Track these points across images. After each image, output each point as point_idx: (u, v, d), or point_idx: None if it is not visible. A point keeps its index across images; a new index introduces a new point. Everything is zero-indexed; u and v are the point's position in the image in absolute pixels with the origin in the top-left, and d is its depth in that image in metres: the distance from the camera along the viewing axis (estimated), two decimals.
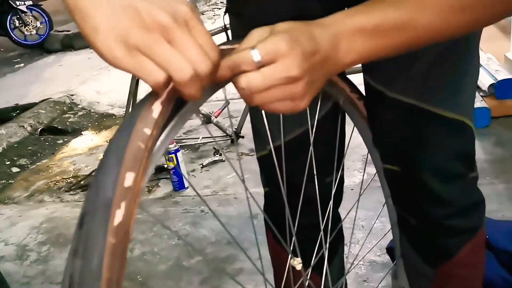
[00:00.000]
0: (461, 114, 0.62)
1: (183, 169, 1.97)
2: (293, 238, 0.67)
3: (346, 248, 1.40)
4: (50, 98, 3.27)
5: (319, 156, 0.69)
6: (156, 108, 0.38)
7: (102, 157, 0.36)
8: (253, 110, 0.73)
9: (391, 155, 0.68)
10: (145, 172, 0.36)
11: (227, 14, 0.71)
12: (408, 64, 0.60)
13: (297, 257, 0.63)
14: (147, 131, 0.37)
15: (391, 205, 0.76)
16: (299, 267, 0.62)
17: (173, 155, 1.93)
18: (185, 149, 2.30)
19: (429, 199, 0.66)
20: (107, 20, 0.35)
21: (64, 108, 3.18)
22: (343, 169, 0.78)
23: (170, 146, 1.95)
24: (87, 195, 0.34)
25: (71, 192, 2.11)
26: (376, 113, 0.67)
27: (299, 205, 0.69)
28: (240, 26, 0.70)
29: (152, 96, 0.39)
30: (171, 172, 1.95)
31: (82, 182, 2.18)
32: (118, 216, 0.33)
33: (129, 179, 0.34)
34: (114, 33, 0.35)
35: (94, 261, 0.31)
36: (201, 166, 2.12)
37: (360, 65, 0.67)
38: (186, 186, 1.96)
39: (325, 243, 0.75)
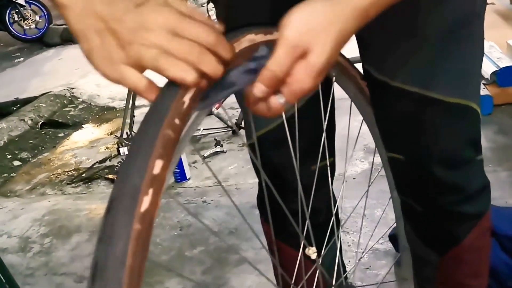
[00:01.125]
0: (467, 99, 0.61)
1: (185, 162, 1.96)
2: (299, 227, 0.66)
3: (349, 237, 1.41)
4: (51, 91, 3.26)
5: (304, 143, 0.66)
6: (187, 101, 0.39)
7: (132, 142, 0.37)
8: (241, 101, 0.73)
9: (396, 144, 0.67)
10: (171, 162, 0.37)
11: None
12: (411, 53, 0.59)
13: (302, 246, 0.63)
14: (177, 121, 0.38)
15: (396, 197, 0.75)
16: (314, 256, 0.62)
17: None
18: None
19: (437, 187, 0.65)
20: (96, 42, 0.42)
21: (65, 101, 3.18)
22: (334, 155, 0.77)
23: None
24: (116, 180, 0.34)
25: (73, 185, 2.11)
26: (380, 103, 0.65)
27: (287, 193, 0.68)
28: (219, 14, 0.69)
29: (181, 88, 0.40)
30: None
31: (83, 175, 2.18)
32: (145, 202, 0.32)
33: (157, 166, 0.34)
34: (103, 54, 0.42)
35: (119, 247, 0.30)
36: (203, 157, 2.12)
37: (358, 55, 0.67)
38: (187, 177, 1.95)
39: (336, 232, 0.74)
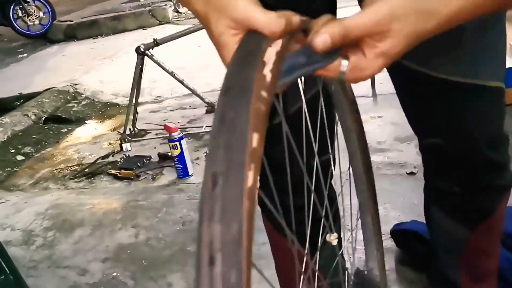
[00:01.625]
0: (501, 81, 0.66)
1: (188, 158, 1.97)
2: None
3: (349, 234, 1.41)
4: (54, 87, 3.27)
5: (307, 138, 0.67)
6: (268, 74, 0.38)
7: (220, 115, 0.34)
8: None
9: (440, 132, 0.70)
10: (264, 136, 0.34)
11: None
12: (452, 44, 0.62)
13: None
14: (264, 94, 0.36)
15: (362, 190, 0.76)
16: (335, 242, 0.63)
17: (177, 143, 1.93)
18: (189, 138, 2.30)
19: (485, 167, 0.70)
20: None
21: (68, 97, 3.19)
22: (333, 150, 0.79)
23: (174, 134, 1.95)
24: (213, 154, 0.31)
25: (76, 180, 2.12)
26: (422, 95, 0.68)
27: (287, 187, 0.69)
28: None
29: (257, 61, 0.38)
30: (175, 159, 1.96)
31: (86, 170, 2.19)
32: (250, 177, 0.31)
33: (255, 139, 0.33)
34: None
35: (235, 227, 0.28)
36: (205, 154, 2.13)
37: None
38: (190, 174, 1.96)
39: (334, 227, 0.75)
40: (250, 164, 0.31)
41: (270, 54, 0.40)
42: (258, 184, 0.32)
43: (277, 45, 0.41)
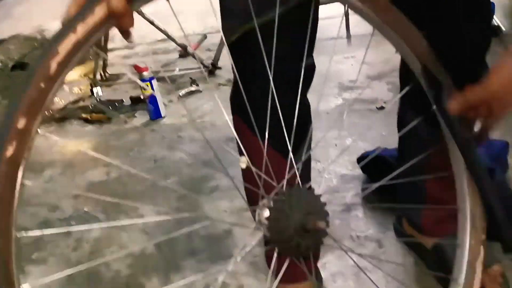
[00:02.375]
0: None
1: (160, 99, 1.95)
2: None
3: (320, 165, 1.44)
4: (20, 34, 3.13)
5: (293, 40, 0.68)
6: (53, 66, 0.49)
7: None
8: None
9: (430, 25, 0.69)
10: (38, 118, 0.50)
11: None
12: None
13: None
14: (42, 85, 0.48)
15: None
16: (243, 165, 0.66)
17: (147, 83, 1.89)
18: (162, 81, 2.26)
19: (470, 63, 0.77)
20: None
21: (35, 43, 3.06)
22: (312, 57, 0.78)
23: (145, 73, 1.91)
24: None
25: (46, 124, 2.08)
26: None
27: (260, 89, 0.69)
28: None
29: (52, 49, 0.49)
30: (147, 100, 1.92)
31: (56, 115, 2.14)
32: (10, 150, 0.47)
33: (22, 122, 0.48)
34: None
35: None
36: (178, 96, 2.10)
37: None
38: (163, 115, 1.94)
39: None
40: (12, 140, 0.47)
41: (68, 42, 0.49)
42: (19, 156, 0.48)
43: (78, 33, 0.49)
